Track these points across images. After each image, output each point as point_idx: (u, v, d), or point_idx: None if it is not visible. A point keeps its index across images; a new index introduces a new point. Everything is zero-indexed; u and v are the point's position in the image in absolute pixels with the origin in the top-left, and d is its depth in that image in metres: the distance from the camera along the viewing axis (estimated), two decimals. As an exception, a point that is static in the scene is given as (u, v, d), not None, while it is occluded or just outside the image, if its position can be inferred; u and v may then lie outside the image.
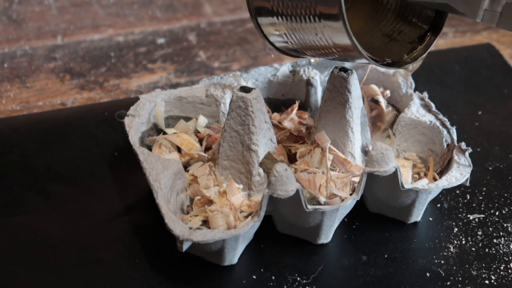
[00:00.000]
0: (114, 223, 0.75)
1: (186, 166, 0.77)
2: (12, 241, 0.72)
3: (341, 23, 0.64)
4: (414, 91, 0.83)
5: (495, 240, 0.73)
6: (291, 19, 0.68)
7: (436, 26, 0.74)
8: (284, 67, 0.84)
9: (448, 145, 0.77)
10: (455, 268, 0.71)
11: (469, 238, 0.74)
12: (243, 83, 0.82)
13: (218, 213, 0.69)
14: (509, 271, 0.70)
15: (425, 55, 0.73)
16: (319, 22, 0.66)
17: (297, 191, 0.67)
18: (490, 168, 0.82)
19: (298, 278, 0.70)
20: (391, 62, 0.72)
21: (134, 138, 0.76)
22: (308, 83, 0.84)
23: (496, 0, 0.67)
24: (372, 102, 0.82)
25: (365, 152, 0.78)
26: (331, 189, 0.71)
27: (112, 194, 0.78)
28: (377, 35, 0.74)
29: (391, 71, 0.85)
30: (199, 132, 0.80)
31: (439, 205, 0.77)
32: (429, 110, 0.80)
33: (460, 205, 0.77)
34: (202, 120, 0.81)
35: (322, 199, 0.70)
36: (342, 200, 0.70)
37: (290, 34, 0.70)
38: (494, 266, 0.71)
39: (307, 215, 0.69)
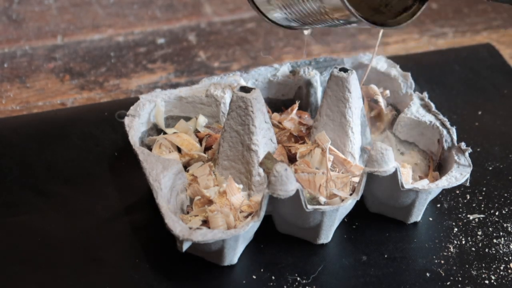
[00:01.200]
0: (114, 223, 0.74)
1: (186, 166, 0.77)
2: (12, 241, 0.72)
3: None
4: (414, 91, 0.83)
5: (495, 240, 0.73)
6: None
7: None
8: (284, 67, 0.84)
9: (438, 140, 0.77)
10: (455, 268, 0.71)
11: (469, 238, 0.74)
12: (243, 83, 0.82)
13: (218, 213, 0.69)
14: (509, 271, 0.70)
15: (410, 21, 0.72)
16: None
17: (297, 191, 0.67)
18: (490, 168, 0.82)
19: (298, 278, 0.70)
20: (378, 22, 0.70)
21: (134, 138, 0.76)
22: (308, 83, 0.84)
23: None
24: (372, 102, 0.83)
25: (365, 152, 0.78)
26: (331, 189, 0.71)
27: (112, 194, 0.78)
28: (364, 9, 0.73)
29: (392, 73, 0.84)
30: (199, 132, 0.80)
31: (439, 205, 0.77)
32: (429, 110, 0.80)
33: (460, 205, 0.77)
34: (202, 120, 0.81)
35: (322, 199, 0.70)
36: (342, 200, 0.70)
37: (285, 6, 0.70)
38: (494, 266, 0.71)
39: (307, 215, 0.69)
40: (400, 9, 0.72)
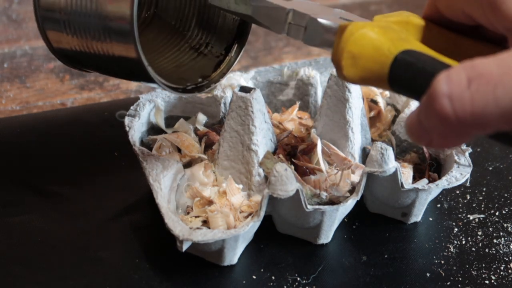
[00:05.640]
0: (114, 223, 0.74)
1: (186, 166, 0.77)
2: (12, 241, 0.72)
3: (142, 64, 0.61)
4: (414, 91, 0.83)
5: (495, 240, 0.73)
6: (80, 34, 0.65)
7: (241, 36, 0.73)
8: (284, 67, 0.84)
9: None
10: (455, 268, 0.71)
11: (469, 238, 0.74)
12: (243, 83, 0.82)
13: (218, 213, 0.69)
14: (509, 271, 0.70)
15: (226, 76, 0.72)
16: (120, 62, 0.63)
17: (297, 191, 0.67)
18: (490, 168, 0.82)
19: (298, 278, 0.70)
20: (196, 86, 0.70)
21: (134, 138, 0.76)
22: (308, 83, 0.84)
23: (300, 14, 0.63)
24: (371, 103, 0.83)
25: (365, 152, 0.78)
26: (331, 192, 0.71)
27: (112, 194, 0.78)
28: (184, 48, 0.73)
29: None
30: (198, 130, 0.80)
31: (439, 205, 0.77)
32: (429, 110, 0.80)
33: (460, 205, 0.77)
34: (202, 118, 0.81)
35: (324, 193, 0.70)
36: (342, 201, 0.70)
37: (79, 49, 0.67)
38: (494, 266, 0.71)
39: (307, 215, 0.69)
40: (221, 50, 0.72)
